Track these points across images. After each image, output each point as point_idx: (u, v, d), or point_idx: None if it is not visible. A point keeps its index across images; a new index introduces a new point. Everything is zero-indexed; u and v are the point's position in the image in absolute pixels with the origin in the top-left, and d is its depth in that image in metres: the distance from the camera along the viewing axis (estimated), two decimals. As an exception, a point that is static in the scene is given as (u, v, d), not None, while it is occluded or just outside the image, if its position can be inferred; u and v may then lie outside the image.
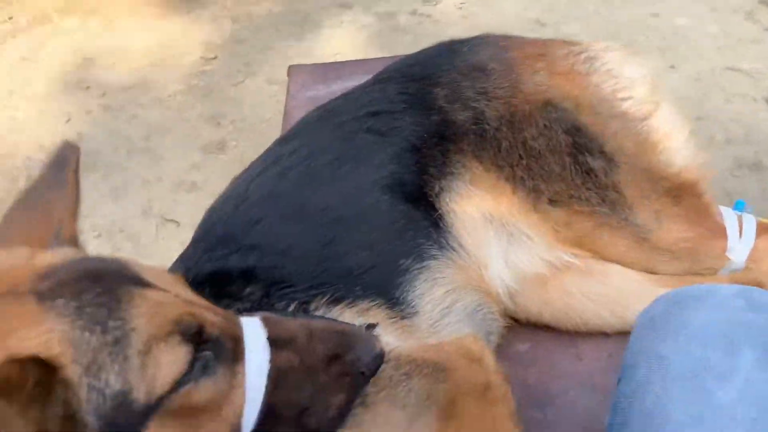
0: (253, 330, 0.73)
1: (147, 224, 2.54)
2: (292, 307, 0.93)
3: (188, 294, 0.74)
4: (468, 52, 1.21)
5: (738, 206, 1.15)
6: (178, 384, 0.64)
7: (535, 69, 1.17)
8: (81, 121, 2.98)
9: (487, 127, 1.13)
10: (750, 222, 1.13)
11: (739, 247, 1.10)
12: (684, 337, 0.72)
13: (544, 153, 1.11)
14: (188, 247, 1.07)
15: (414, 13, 3.63)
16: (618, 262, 1.14)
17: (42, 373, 0.55)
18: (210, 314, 0.71)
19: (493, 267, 1.12)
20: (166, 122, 2.94)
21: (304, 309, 0.94)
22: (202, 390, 0.66)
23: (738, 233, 1.11)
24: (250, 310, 0.91)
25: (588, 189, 1.10)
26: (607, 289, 1.12)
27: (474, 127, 1.14)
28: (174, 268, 1.02)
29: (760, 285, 1.10)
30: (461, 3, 3.69)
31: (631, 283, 1.12)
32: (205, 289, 0.94)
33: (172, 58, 3.26)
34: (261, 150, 1.26)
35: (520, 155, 1.12)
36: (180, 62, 3.24)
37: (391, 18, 3.59)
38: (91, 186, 2.64)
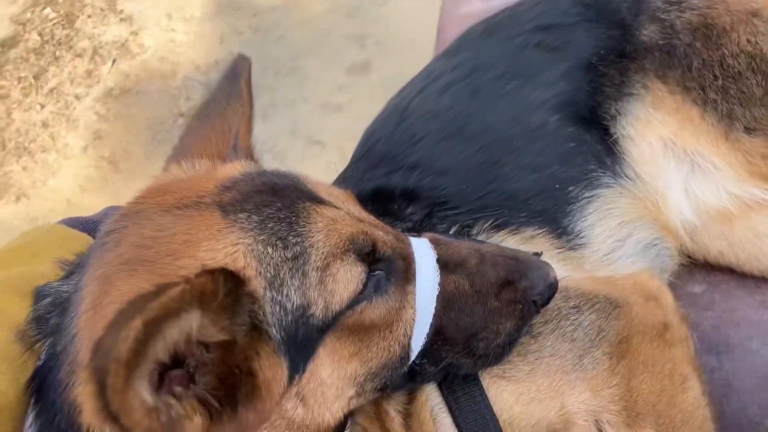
0: (424, 251, 0.71)
1: (294, 145, 2.62)
2: (453, 230, 0.90)
3: (359, 211, 0.73)
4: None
5: None
6: (353, 302, 0.64)
7: (738, -25, 1.01)
8: (233, 42, 3.08)
9: (676, 42, 1.00)
10: None
11: None
12: None
13: (744, 73, 0.97)
14: (349, 166, 1.07)
15: None
16: (825, 202, 1.00)
17: (231, 285, 0.56)
18: (381, 233, 0.70)
19: (672, 200, 1.02)
20: (312, 43, 2.96)
21: (466, 233, 0.90)
22: (375, 308, 0.66)
23: None
24: (412, 231, 0.89)
25: (796, 116, 0.96)
26: (808, 232, 0.98)
27: (661, 42, 1.01)
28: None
29: None
30: None
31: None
32: (368, 207, 0.94)
33: (317, -23, 3.25)
34: (405, 72, 1.21)
35: (714, 75, 0.98)
36: (326, -18, 3.22)
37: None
38: (242, 106, 2.75)
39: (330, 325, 0.63)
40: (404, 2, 2.90)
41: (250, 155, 0.79)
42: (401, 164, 0.98)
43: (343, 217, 0.67)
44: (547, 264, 0.73)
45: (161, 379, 0.54)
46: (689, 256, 1.06)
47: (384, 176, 0.98)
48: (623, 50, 1.03)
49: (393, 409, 0.75)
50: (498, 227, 0.91)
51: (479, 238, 0.91)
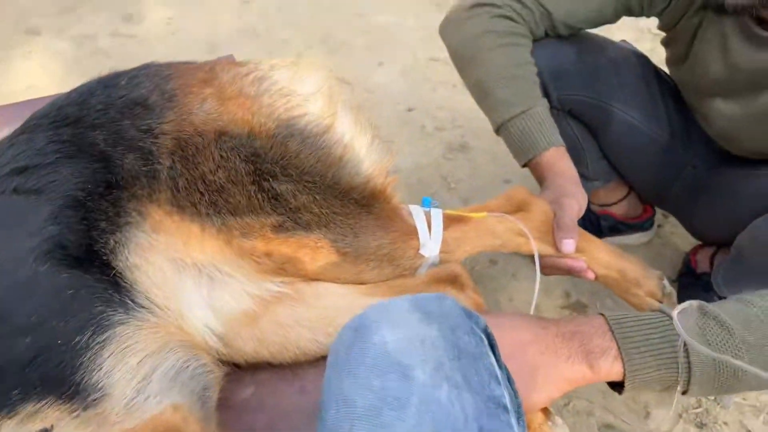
0: None
1: None
2: None
3: None
4: (126, 86, 1.09)
5: (425, 203, 1.20)
6: None
7: (203, 96, 1.09)
8: None
9: (158, 167, 1.02)
10: (437, 216, 1.18)
11: (430, 244, 1.14)
12: (364, 369, 0.69)
13: (226, 186, 1.04)
14: None
15: (115, 34, 3.34)
16: (327, 280, 1.12)
17: None
18: None
19: (196, 316, 1.03)
20: None
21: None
22: None
23: (427, 230, 1.15)
24: None
25: (280, 215, 1.06)
26: (318, 311, 1.09)
27: (145, 169, 1.02)
28: None
29: (455, 275, 1.16)
30: (169, 18, 3.49)
31: (340, 299, 1.10)
32: None
33: None
34: None
35: (200, 192, 1.03)
36: None
37: (89, 41, 3.27)
38: None
39: None
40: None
41: None
42: None
43: None
44: None
45: None
46: (233, 363, 1.08)
47: None
48: (111, 181, 1.01)
49: None
50: (-14, 417, 0.78)
51: (-37, 437, 0.76)
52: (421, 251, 1.13)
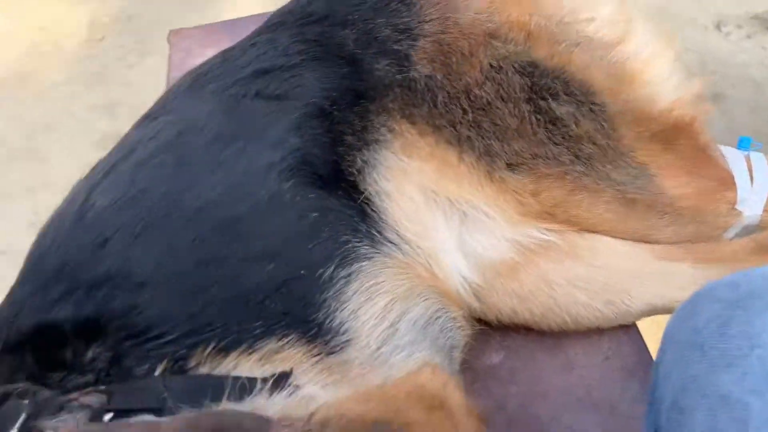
0: None
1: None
2: (159, 369, 0.63)
3: None
4: (381, -21, 0.91)
5: (743, 144, 0.90)
6: None
7: (471, -8, 0.88)
8: (-50, 128, 2.54)
9: (415, 75, 0.84)
10: (761, 162, 0.88)
11: (752, 198, 0.85)
12: (760, 362, 0.46)
13: (494, 103, 0.83)
14: (12, 289, 0.74)
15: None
16: (606, 234, 0.88)
17: None
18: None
19: (447, 260, 0.84)
20: (50, 118, 2.53)
21: (180, 369, 0.63)
22: None
23: (749, 178, 0.86)
24: (96, 384, 0.61)
25: (556, 144, 0.83)
26: (596, 271, 0.86)
27: (399, 76, 0.84)
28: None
29: (785, 242, 0.87)
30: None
31: (627, 259, 0.86)
32: (26, 357, 0.63)
33: (51, 43, 2.82)
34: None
35: (463, 109, 0.83)
36: (61, 47, 2.81)
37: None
38: (-34, 200, 2.25)
39: None
40: (153, 64, 2.60)
41: None
42: (80, 281, 0.68)
43: None
44: (263, 422, 0.48)
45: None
46: (483, 320, 0.89)
47: (57, 302, 0.67)
48: (359, 90, 0.85)
49: None
50: (225, 350, 0.65)
51: (201, 370, 0.64)
52: (739, 206, 0.85)
